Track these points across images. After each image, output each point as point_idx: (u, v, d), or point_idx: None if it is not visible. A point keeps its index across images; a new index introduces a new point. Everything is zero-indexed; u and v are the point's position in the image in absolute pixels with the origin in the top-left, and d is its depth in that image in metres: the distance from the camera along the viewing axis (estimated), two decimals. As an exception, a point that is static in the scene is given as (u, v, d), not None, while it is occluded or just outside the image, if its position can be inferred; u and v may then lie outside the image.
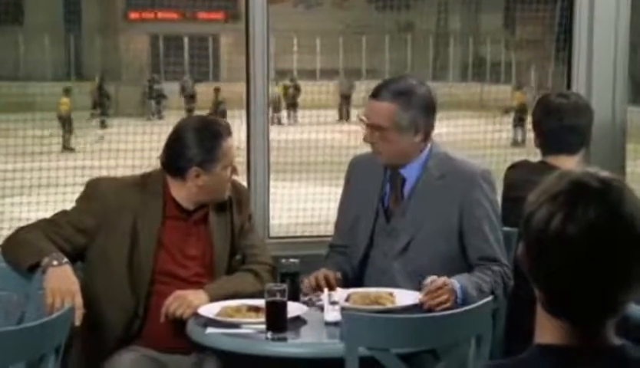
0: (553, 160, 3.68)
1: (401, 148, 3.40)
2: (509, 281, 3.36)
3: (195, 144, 3.34)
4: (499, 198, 3.57)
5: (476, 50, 19.06)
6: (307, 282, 3.34)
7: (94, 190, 3.41)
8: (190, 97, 17.68)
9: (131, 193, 3.38)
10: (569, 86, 4.39)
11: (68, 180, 6.65)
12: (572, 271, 1.61)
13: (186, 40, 19.22)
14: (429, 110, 3.41)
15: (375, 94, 3.42)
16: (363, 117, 3.43)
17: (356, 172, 3.61)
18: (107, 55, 19.18)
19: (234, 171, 3.41)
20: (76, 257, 3.32)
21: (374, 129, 3.39)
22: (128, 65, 19.32)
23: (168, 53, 18.86)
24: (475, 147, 8.52)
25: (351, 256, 3.53)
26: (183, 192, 3.39)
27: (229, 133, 3.39)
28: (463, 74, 18.95)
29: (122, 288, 3.33)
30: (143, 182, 3.44)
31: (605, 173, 1.67)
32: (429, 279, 3.16)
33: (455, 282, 3.18)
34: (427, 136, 3.43)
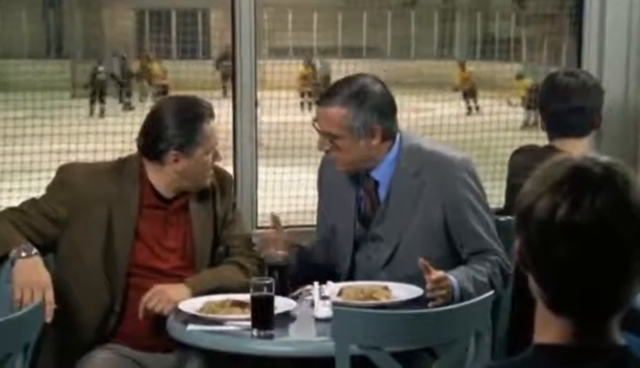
0: (561, 144, 3.67)
1: (358, 154, 3.34)
2: (507, 270, 3.34)
3: (174, 126, 3.32)
4: (487, 183, 3.53)
5: (485, 26, 19.02)
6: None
7: (67, 176, 3.39)
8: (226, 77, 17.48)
9: (106, 180, 3.37)
10: (579, 64, 4.37)
11: (44, 165, 6.64)
12: (578, 263, 1.61)
13: (173, 15, 19.17)
14: (385, 109, 3.34)
15: (324, 100, 3.36)
16: (316, 125, 3.38)
17: (327, 176, 3.56)
18: (89, 32, 19.14)
19: (216, 156, 3.40)
20: (47, 248, 3.31)
21: (326, 137, 3.34)
22: (111, 42, 19.27)
23: (152, 29, 18.81)
24: (480, 130, 8.51)
25: (338, 261, 3.52)
26: (161, 179, 3.38)
27: (212, 115, 3.38)
28: (470, 52, 18.92)
29: (96, 282, 3.32)
30: (120, 167, 3.43)
31: (605, 158, 1.66)
32: (429, 266, 3.11)
33: (453, 280, 3.16)
34: (386, 137, 3.36)
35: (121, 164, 3.44)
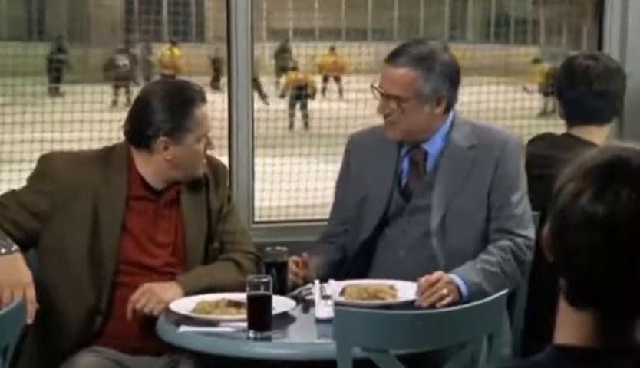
0: (580, 132, 3.67)
1: (422, 120, 3.42)
2: (522, 255, 3.37)
3: (163, 110, 3.33)
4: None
5: (500, 6, 19.02)
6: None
7: (48, 167, 3.40)
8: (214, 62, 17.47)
9: (91, 170, 3.38)
10: (599, 47, 4.37)
11: (25, 155, 6.66)
12: (597, 255, 1.61)
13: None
14: (453, 78, 3.44)
15: (392, 59, 3.43)
16: (376, 86, 3.43)
17: (359, 152, 3.61)
18: (73, 12, 19.13)
19: (209, 145, 3.40)
20: (28, 244, 3.31)
21: (390, 100, 3.40)
22: (98, 24, 19.26)
23: (141, 10, 18.79)
24: (494, 117, 8.55)
25: (354, 243, 3.53)
26: (150, 168, 3.38)
27: (203, 100, 3.38)
28: (484, 34, 18.91)
29: (81, 280, 3.32)
30: (105, 156, 3.43)
31: None
32: (422, 279, 3.17)
33: (453, 276, 3.20)
34: (448, 108, 3.46)
35: (107, 153, 3.45)
